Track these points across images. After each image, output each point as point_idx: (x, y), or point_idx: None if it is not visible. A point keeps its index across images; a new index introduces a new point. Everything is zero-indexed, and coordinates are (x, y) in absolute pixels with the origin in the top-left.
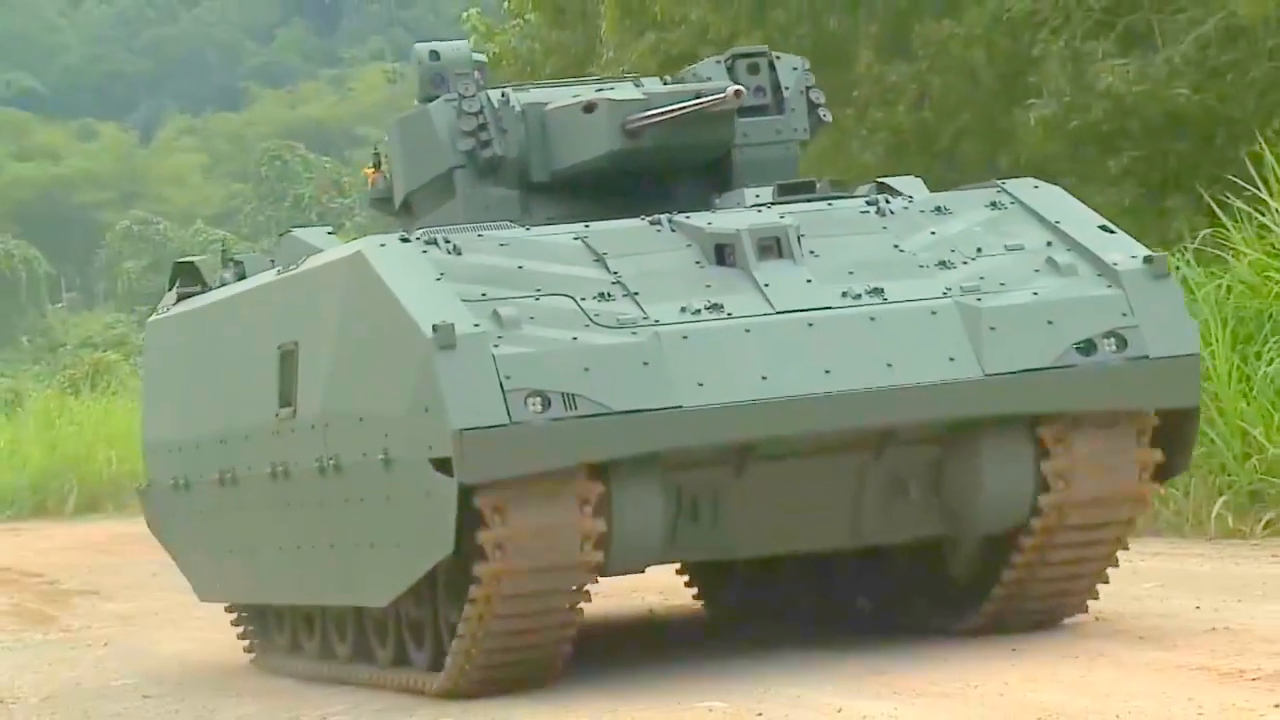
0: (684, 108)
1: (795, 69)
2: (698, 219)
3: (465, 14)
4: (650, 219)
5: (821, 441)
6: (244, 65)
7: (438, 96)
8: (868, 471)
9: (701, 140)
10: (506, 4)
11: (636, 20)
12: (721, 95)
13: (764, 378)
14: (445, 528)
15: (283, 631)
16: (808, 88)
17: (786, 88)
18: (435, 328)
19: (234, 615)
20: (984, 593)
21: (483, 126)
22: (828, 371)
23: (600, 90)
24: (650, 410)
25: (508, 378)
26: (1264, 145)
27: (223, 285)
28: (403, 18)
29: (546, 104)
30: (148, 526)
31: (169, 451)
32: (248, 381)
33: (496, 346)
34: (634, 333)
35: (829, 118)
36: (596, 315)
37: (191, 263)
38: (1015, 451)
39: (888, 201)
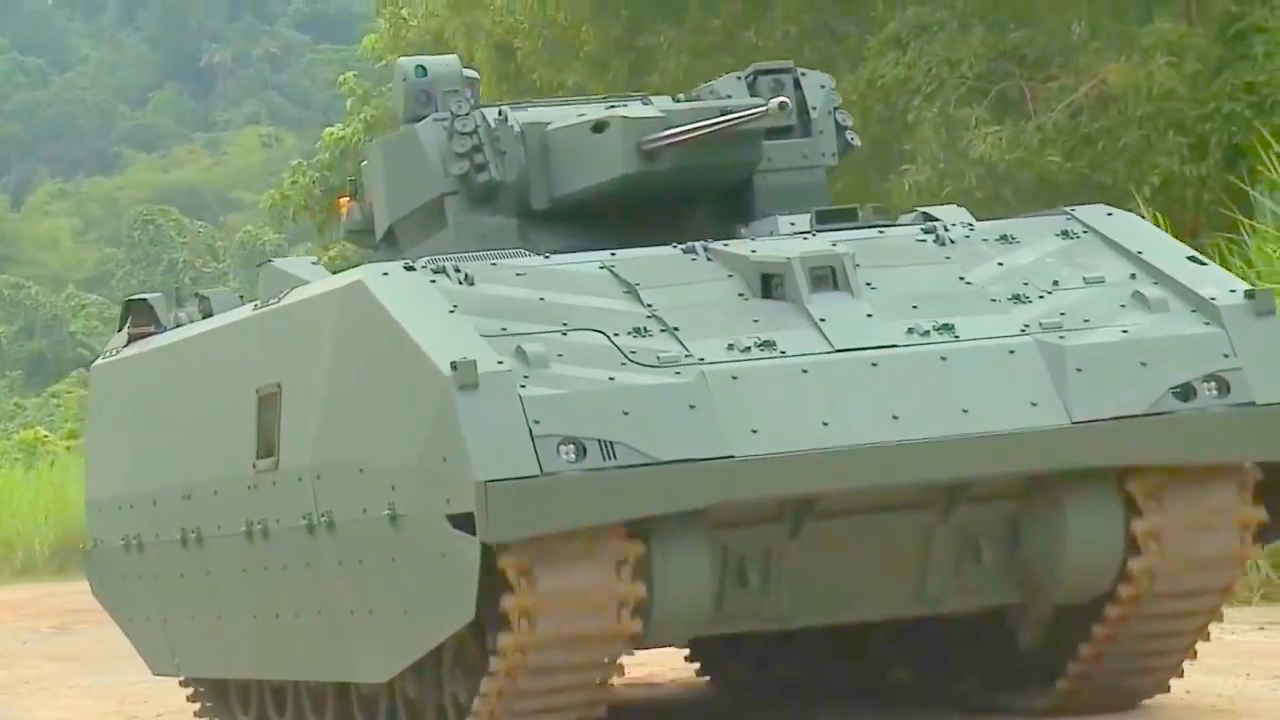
0: (713, 125)
1: (823, 87)
2: (738, 246)
3: (342, 77)
4: (682, 247)
5: (887, 496)
6: (117, 129)
7: (424, 116)
8: (935, 530)
9: (727, 163)
10: (382, 67)
11: (514, 85)
12: (760, 108)
13: (825, 424)
14: (465, 593)
15: (248, 711)
16: (835, 108)
17: (814, 108)
18: (455, 365)
19: (189, 691)
20: (1056, 667)
21: (478, 148)
22: (896, 417)
23: (611, 108)
24: (699, 460)
25: (537, 422)
26: (1140, 205)
27: (179, 325)
28: (277, 81)
29: (549, 124)
30: (92, 592)
31: (119, 508)
32: (217, 429)
33: (523, 387)
34: (677, 372)
35: (858, 142)
36: (633, 352)
37: (145, 300)
38: (1103, 509)
39: (946, 229)
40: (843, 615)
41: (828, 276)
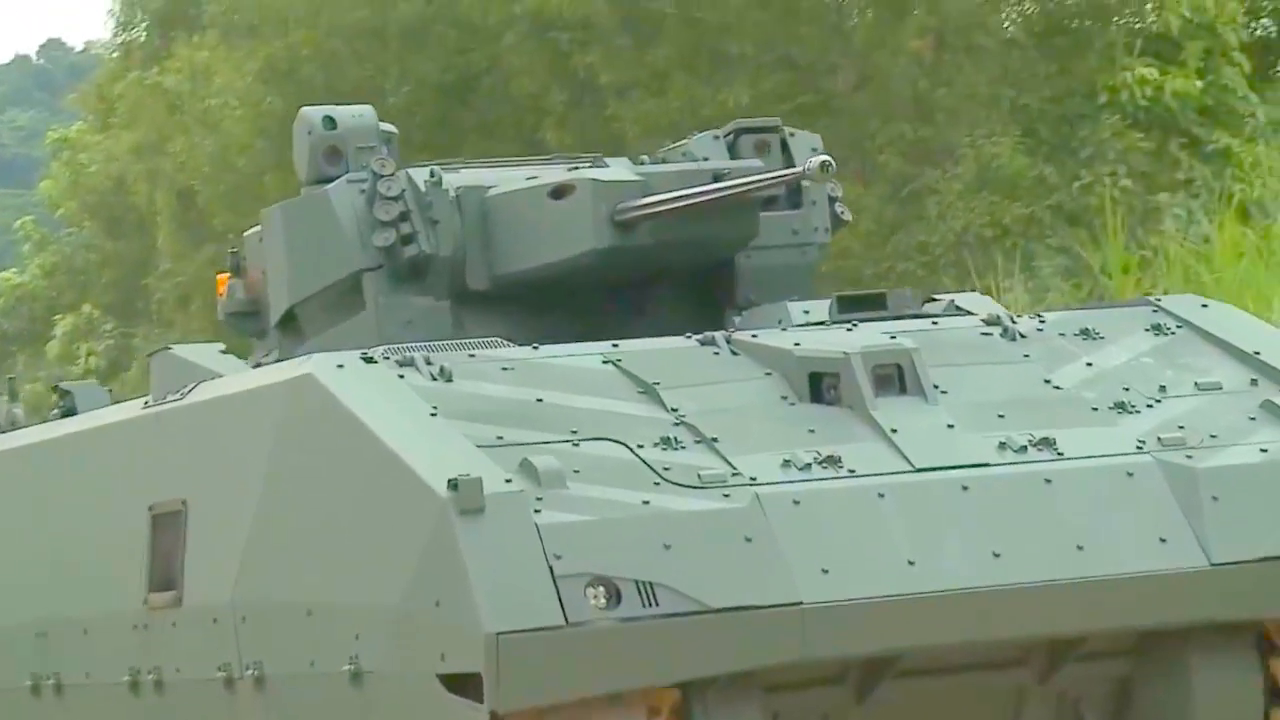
0: (720, 191)
1: (814, 150)
2: (771, 338)
3: (19, 222)
4: (699, 338)
5: (977, 653)
6: None
7: (333, 177)
8: (1029, 693)
9: (718, 237)
10: (60, 213)
11: (194, 232)
12: (794, 170)
13: (911, 563)
14: None
15: None
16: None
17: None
18: (455, 484)
19: None
20: None
21: (404, 216)
22: (997, 555)
23: (573, 168)
24: (762, 609)
25: (558, 558)
26: None
27: (13, 424)
28: None
29: (490, 187)
30: None
31: None
32: (90, 554)
33: (538, 512)
34: (725, 494)
35: (848, 216)
36: (666, 469)
37: None
38: (1237, 667)
39: (1014, 321)
40: None
41: (893, 377)
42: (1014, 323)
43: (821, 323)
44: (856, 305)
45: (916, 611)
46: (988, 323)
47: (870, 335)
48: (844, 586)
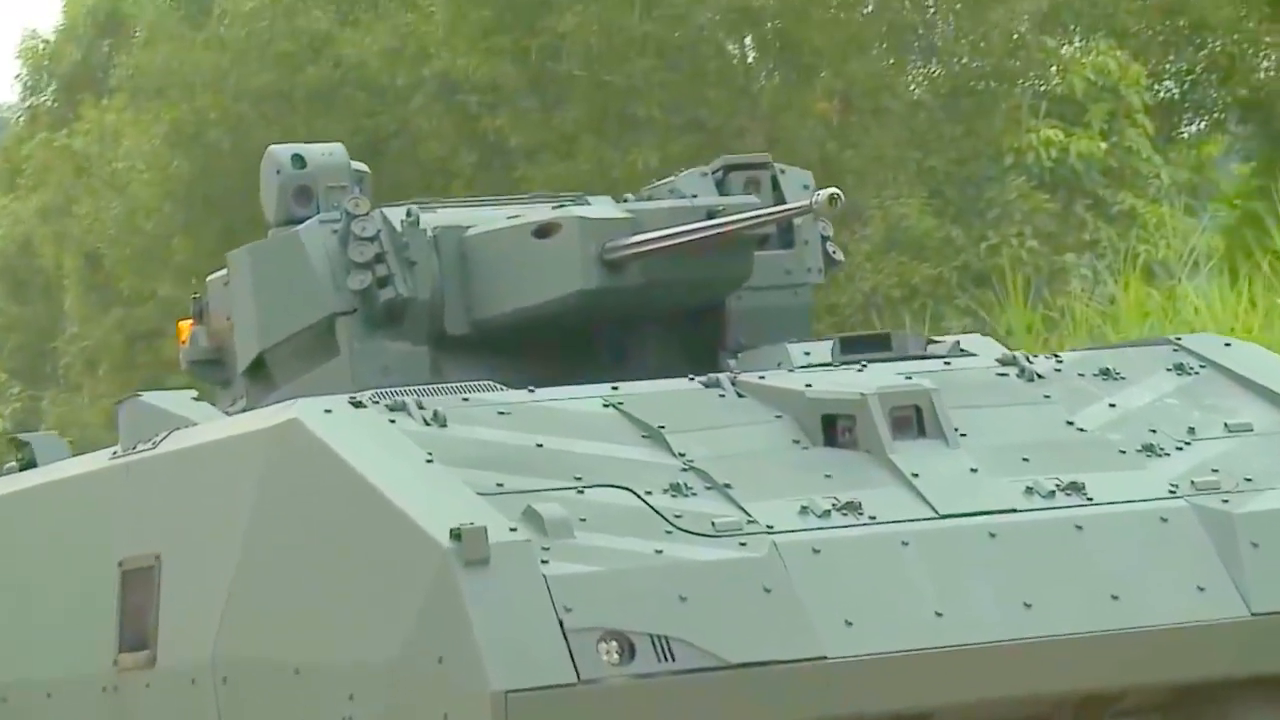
0: (718, 227)
1: (806, 187)
2: (779, 380)
3: None
4: (702, 380)
5: (1007, 708)
6: None
7: (303, 218)
8: None
9: (713, 277)
10: None
11: (101, 295)
12: (801, 204)
13: (939, 614)
14: None
15: None
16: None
17: None
18: (457, 534)
19: None
20: None
21: (380, 257)
22: (1028, 605)
23: (559, 206)
24: (783, 664)
25: (568, 610)
26: None
27: None
28: None
29: (469, 227)
30: None
31: None
32: (56, 612)
33: (545, 563)
34: (742, 543)
35: (841, 256)
36: (677, 516)
37: None
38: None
39: (1029, 360)
40: None
41: (911, 419)
42: (1030, 363)
43: (827, 364)
44: (860, 346)
45: (946, 665)
46: (1003, 363)
47: (884, 376)
48: (869, 639)
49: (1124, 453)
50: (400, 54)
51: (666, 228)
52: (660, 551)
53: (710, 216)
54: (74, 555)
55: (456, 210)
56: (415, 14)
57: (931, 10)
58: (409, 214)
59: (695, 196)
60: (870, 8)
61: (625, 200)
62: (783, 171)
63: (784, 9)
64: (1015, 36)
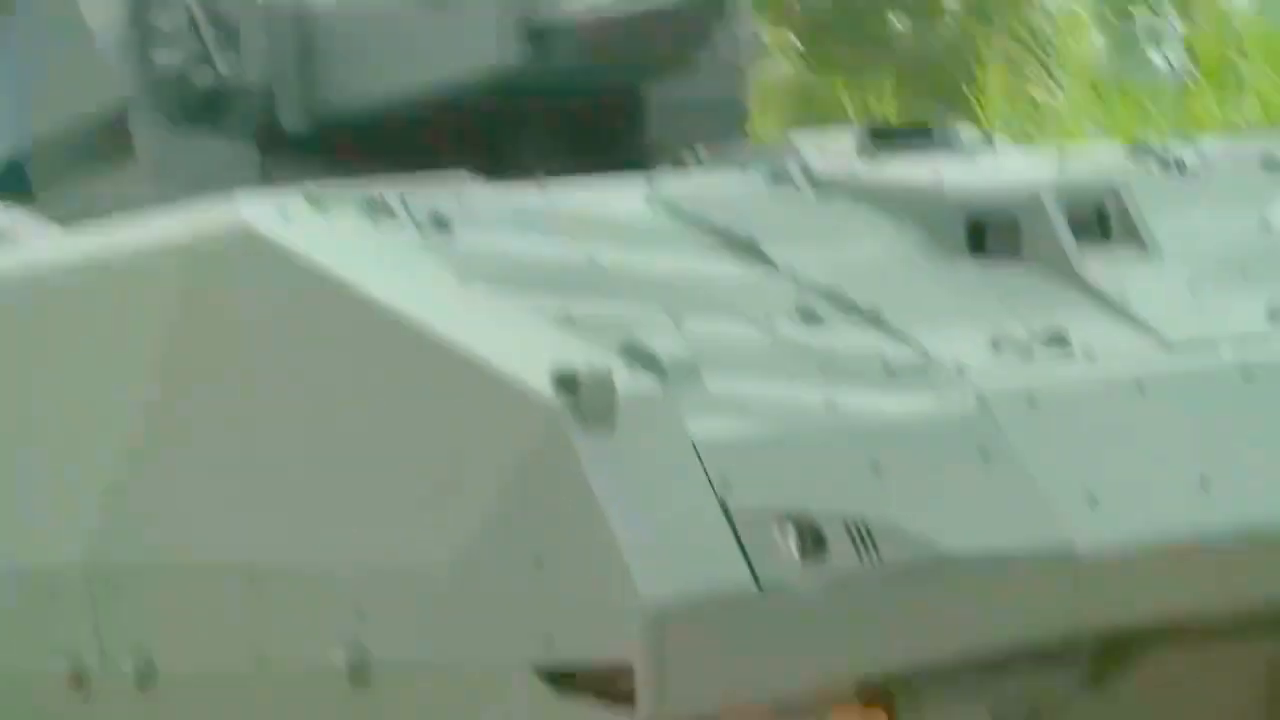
0: None
1: None
2: (892, 170)
3: None
4: (764, 171)
5: (1246, 614)
6: None
7: None
8: None
9: (653, 58)
10: None
11: None
12: None
13: (1203, 478)
14: None
15: None
16: None
17: None
18: (569, 380)
19: None
20: None
21: (193, 26)
22: None
23: None
24: (1020, 558)
25: (729, 487)
26: None
27: None
28: None
29: None
30: None
31: None
32: None
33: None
34: (935, 392)
35: (766, 38)
36: (831, 356)
37: None
38: None
39: (1167, 150)
40: None
41: (1093, 222)
42: (1165, 153)
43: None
44: (897, 137)
45: (1224, 554)
46: (1138, 153)
47: (1031, 166)
48: (1125, 522)
49: None
50: None
51: None
52: (832, 404)
53: None
54: None
55: None
56: None
57: None
58: None
59: None
60: None
61: None
62: None
63: None
64: None
